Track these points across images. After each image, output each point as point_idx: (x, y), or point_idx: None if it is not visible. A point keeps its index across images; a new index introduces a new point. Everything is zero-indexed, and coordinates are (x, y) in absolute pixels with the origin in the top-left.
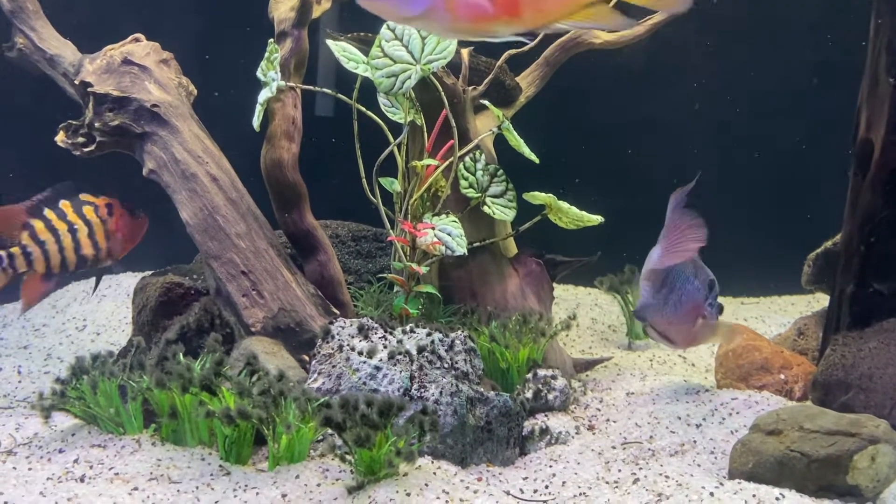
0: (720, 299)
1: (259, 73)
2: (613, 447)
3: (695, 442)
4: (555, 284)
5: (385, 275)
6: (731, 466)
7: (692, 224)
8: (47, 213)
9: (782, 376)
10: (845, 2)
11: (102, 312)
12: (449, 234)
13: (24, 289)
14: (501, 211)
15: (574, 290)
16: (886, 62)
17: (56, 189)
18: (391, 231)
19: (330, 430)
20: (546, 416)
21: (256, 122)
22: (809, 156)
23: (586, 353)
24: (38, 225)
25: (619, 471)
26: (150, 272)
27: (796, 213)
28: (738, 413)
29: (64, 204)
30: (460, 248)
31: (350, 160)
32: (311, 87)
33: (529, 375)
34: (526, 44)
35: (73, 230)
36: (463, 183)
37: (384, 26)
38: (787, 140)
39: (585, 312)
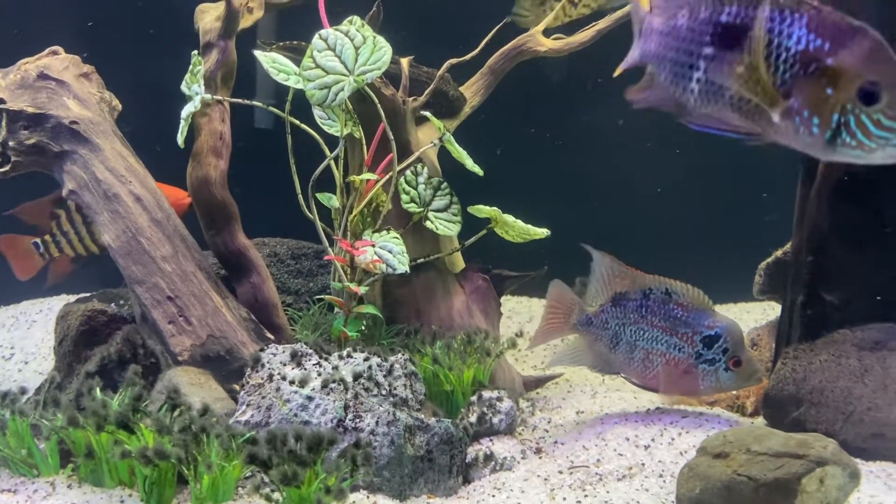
0: None
1: (183, 87)
2: (560, 472)
3: (643, 465)
4: (509, 297)
5: (323, 296)
6: (678, 492)
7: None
8: (70, 203)
9: (734, 392)
10: None
11: (32, 340)
12: (390, 252)
13: (53, 267)
14: (445, 226)
15: (528, 301)
16: None
17: None
18: (330, 249)
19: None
20: (491, 440)
21: (180, 138)
22: (766, 160)
23: (539, 369)
24: (62, 215)
25: (564, 499)
26: (75, 298)
27: (753, 218)
28: (687, 432)
29: None
30: (401, 265)
31: (288, 173)
32: (238, 101)
33: (475, 398)
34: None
35: (87, 222)
36: (404, 197)
37: (316, 35)
38: (742, 145)
39: (538, 326)
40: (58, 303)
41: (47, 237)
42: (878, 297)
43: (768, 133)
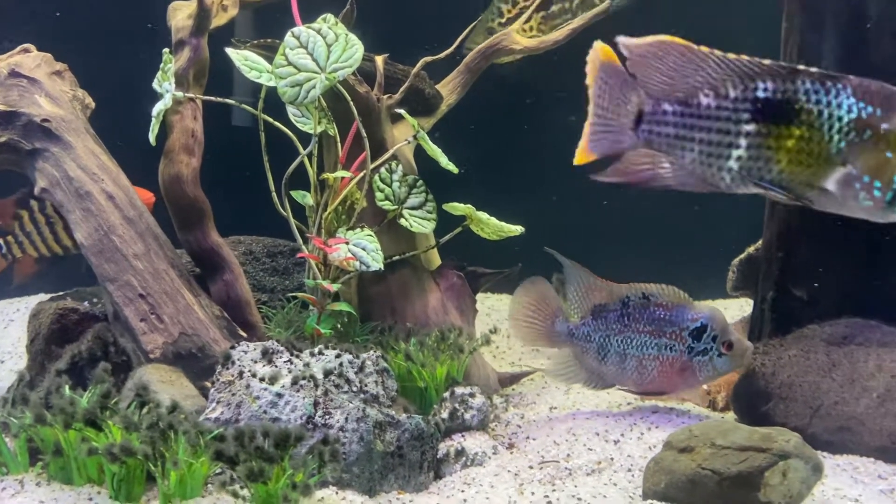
0: None
1: (155, 85)
2: (530, 467)
3: (612, 459)
4: (488, 294)
5: (296, 293)
6: (644, 486)
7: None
8: (33, 204)
9: (705, 386)
10: (762, 7)
11: (9, 339)
12: (364, 249)
13: (18, 267)
14: (419, 223)
15: (507, 299)
16: None
17: None
18: (304, 247)
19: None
20: (463, 436)
21: (152, 136)
22: None
23: (516, 366)
24: (25, 216)
25: (533, 493)
26: (49, 297)
27: (728, 214)
28: (657, 427)
29: None
30: (375, 262)
31: (267, 171)
32: (210, 98)
33: (447, 394)
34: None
35: (50, 223)
36: (379, 195)
37: (289, 32)
38: None
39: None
40: (36, 301)
41: (10, 238)
42: (846, 293)
43: (819, 201)
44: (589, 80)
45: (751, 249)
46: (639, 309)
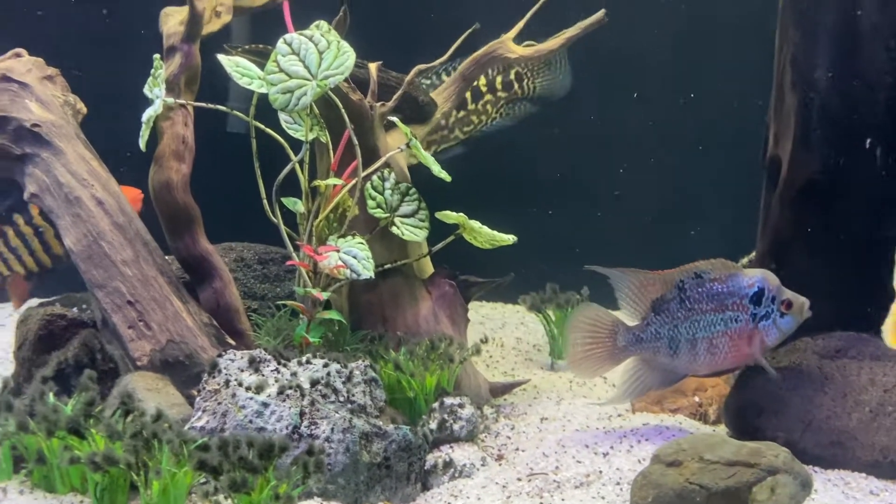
0: None
1: (145, 90)
2: (519, 479)
3: (601, 472)
4: (483, 303)
5: (285, 301)
6: (632, 500)
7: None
8: (16, 218)
9: (696, 399)
10: (757, 16)
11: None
12: (354, 257)
13: (11, 289)
14: (411, 231)
15: (502, 308)
16: (791, 78)
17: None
18: (294, 254)
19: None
20: (452, 447)
21: (142, 142)
22: (731, 166)
23: (508, 375)
24: (9, 232)
25: None
26: (38, 302)
27: (721, 225)
28: (647, 440)
29: (33, 206)
30: (366, 271)
31: (264, 178)
32: (202, 104)
33: (436, 404)
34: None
35: (39, 233)
36: (370, 203)
37: (281, 39)
38: (717, 148)
39: (511, 332)
40: (27, 307)
41: None
42: (839, 306)
43: None
44: None
45: (744, 261)
46: (696, 289)
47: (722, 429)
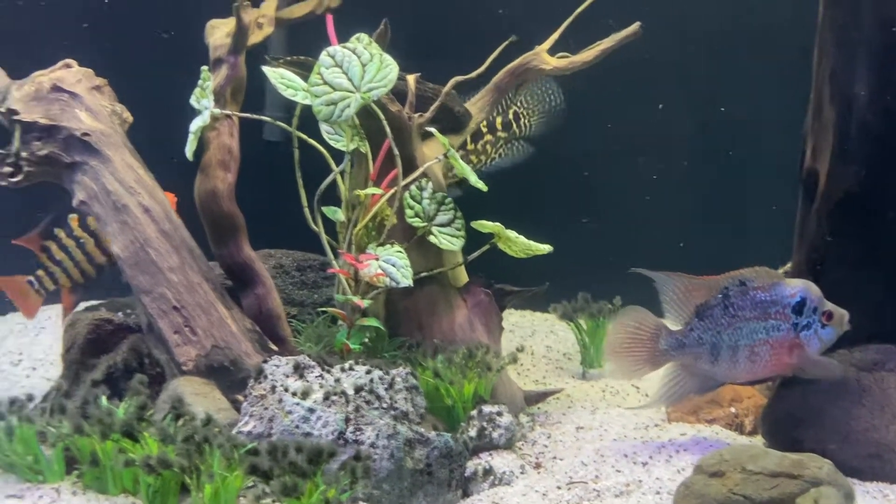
0: None
1: (192, 101)
2: (558, 487)
3: (640, 482)
4: (512, 311)
5: (326, 308)
6: None
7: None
8: (57, 232)
9: (732, 409)
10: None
11: (40, 346)
12: (393, 265)
13: (63, 301)
14: (448, 240)
15: (531, 316)
16: (829, 92)
17: (61, 207)
18: (334, 262)
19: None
20: (491, 455)
21: (189, 152)
22: (767, 178)
23: (540, 384)
24: (52, 246)
25: None
26: (84, 307)
27: (761, 236)
28: (685, 450)
29: (72, 218)
30: (405, 279)
31: (298, 187)
32: (247, 115)
33: (475, 412)
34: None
35: (80, 245)
36: (409, 212)
37: (324, 52)
38: (752, 158)
39: (541, 340)
40: None
41: (41, 272)
42: (877, 318)
43: None
44: None
45: (780, 272)
46: (740, 296)
47: (758, 440)
